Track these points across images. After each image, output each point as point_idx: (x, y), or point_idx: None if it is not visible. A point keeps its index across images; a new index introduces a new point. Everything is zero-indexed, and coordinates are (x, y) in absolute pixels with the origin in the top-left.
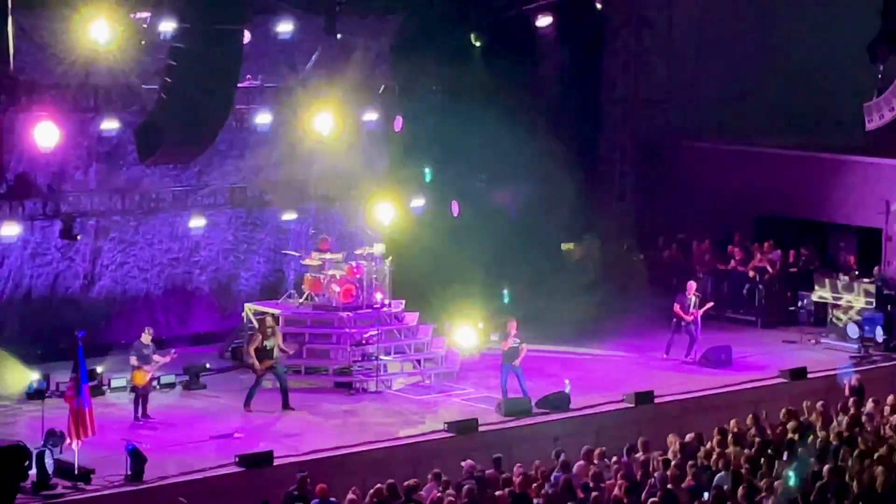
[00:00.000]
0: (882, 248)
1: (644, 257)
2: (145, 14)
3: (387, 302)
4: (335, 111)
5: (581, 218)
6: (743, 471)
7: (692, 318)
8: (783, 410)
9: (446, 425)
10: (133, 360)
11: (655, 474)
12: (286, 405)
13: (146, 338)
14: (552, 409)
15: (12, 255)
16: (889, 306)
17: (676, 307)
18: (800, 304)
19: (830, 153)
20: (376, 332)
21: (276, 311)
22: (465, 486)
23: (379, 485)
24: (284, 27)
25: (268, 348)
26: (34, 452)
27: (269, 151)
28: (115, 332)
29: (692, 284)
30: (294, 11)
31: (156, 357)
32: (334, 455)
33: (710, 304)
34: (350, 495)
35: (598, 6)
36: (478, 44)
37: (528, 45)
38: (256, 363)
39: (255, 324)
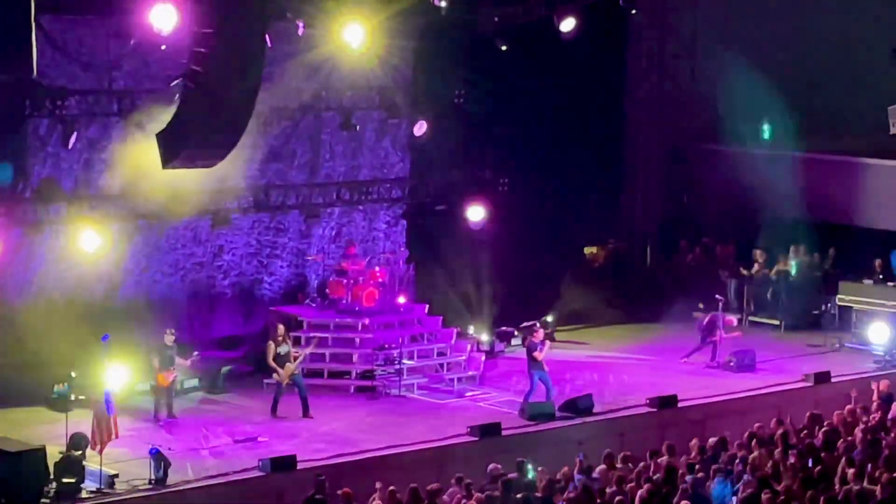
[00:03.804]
0: None
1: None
2: (169, 18)
3: (410, 306)
4: (358, 115)
5: (604, 222)
6: (768, 475)
7: (719, 336)
8: (807, 414)
9: (469, 429)
10: (154, 362)
11: (687, 478)
12: (306, 413)
13: (169, 339)
14: (575, 414)
15: (36, 260)
16: None
17: (708, 321)
18: (824, 307)
19: (855, 157)
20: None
21: (300, 316)
22: (488, 491)
23: (395, 488)
24: (307, 30)
25: (282, 354)
26: (58, 457)
27: (292, 155)
28: (139, 336)
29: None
30: (316, 15)
31: (178, 359)
32: (357, 459)
33: (738, 334)
34: (373, 500)
35: (634, 11)
36: (504, 48)
37: (551, 49)
38: (280, 371)
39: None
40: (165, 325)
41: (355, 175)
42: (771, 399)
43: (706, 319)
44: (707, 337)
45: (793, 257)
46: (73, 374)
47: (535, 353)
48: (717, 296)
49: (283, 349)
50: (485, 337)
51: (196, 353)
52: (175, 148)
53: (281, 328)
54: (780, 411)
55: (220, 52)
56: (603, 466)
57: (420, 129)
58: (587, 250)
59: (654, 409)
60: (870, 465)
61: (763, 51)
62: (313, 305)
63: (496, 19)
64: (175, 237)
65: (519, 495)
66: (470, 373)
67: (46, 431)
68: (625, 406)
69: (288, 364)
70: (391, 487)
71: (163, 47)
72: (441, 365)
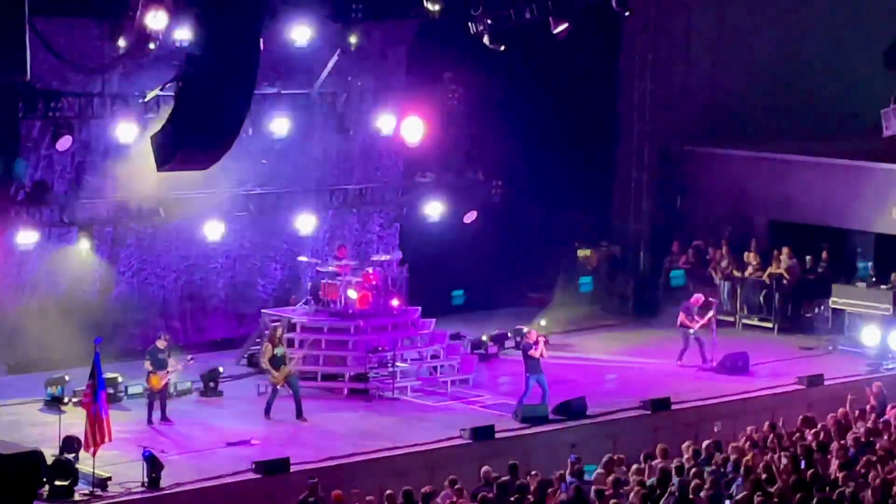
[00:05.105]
0: None
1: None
2: (162, 21)
3: (403, 308)
4: (351, 118)
5: (597, 224)
6: (761, 478)
7: (697, 325)
8: (800, 417)
9: (462, 432)
10: (147, 365)
11: (675, 480)
12: (299, 415)
13: (162, 343)
14: (569, 416)
15: (30, 262)
16: None
17: (682, 316)
18: (817, 310)
19: (848, 159)
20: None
21: (294, 318)
22: (481, 494)
23: (392, 491)
24: (300, 34)
25: (278, 356)
26: (51, 459)
27: (285, 158)
28: (132, 338)
29: (699, 298)
30: (310, 18)
31: (171, 362)
32: (350, 462)
33: (712, 314)
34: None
35: (627, 14)
36: (503, 48)
37: (545, 51)
38: (274, 373)
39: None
40: (158, 327)
41: (349, 178)
42: (764, 401)
43: (680, 315)
44: (688, 329)
45: (786, 260)
46: (67, 377)
47: (531, 353)
48: (710, 298)
49: (279, 351)
50: (479, 339)
51: (189, 356)
52: (169, 150)
53: (279, 330)
54: (774, 414)
55: (214, 55)
56: (601, 471)
57: (414, 132)
58: (580, 253)
59: (648, 412)
60: (863, 468)
61: (755, 54)
62: (306, 308)
63: (489, 22)
64: (168, 239)
65: (512, 498)
66: (463, 375)
67: (40, 434)
68: (618, 409)
69: (283, 366)
70: (388, 491)
71: (151, 46)
72: (434, 367)
